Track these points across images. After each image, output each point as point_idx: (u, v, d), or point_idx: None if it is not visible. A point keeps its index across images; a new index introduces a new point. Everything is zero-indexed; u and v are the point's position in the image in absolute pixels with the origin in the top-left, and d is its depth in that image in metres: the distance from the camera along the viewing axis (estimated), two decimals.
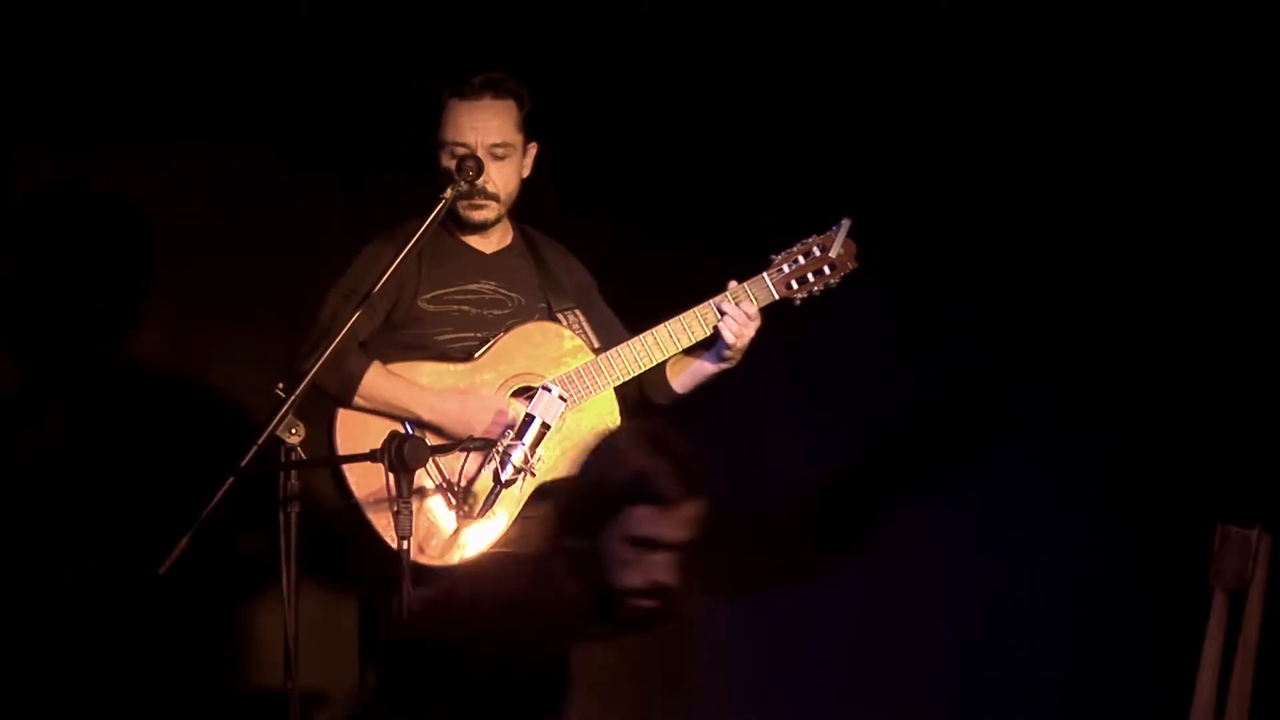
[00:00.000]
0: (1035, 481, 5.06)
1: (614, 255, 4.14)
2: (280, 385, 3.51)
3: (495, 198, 3.85)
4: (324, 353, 3.54)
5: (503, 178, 3.86)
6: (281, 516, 3.48)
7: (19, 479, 4.64)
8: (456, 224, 3.88)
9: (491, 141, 3.83)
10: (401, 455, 3.38)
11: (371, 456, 3.43)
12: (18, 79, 4.54)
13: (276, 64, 4.72)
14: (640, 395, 3.98)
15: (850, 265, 3.92)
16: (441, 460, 3.69)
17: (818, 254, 3.89)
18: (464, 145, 3.82)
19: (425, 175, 3.92)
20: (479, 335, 3.83)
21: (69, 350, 4.70)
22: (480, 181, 3.80)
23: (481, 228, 3.90)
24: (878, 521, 5.15)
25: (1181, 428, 4.86)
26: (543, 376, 3.75)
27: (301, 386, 3.47)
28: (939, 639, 5.10)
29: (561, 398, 3.59)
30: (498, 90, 3.86)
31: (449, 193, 3.69)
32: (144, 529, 4.18)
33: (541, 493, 3.81)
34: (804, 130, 5.01)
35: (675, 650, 5.17)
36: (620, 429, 3.76)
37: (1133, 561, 4.94)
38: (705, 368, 3.93)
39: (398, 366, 3.77)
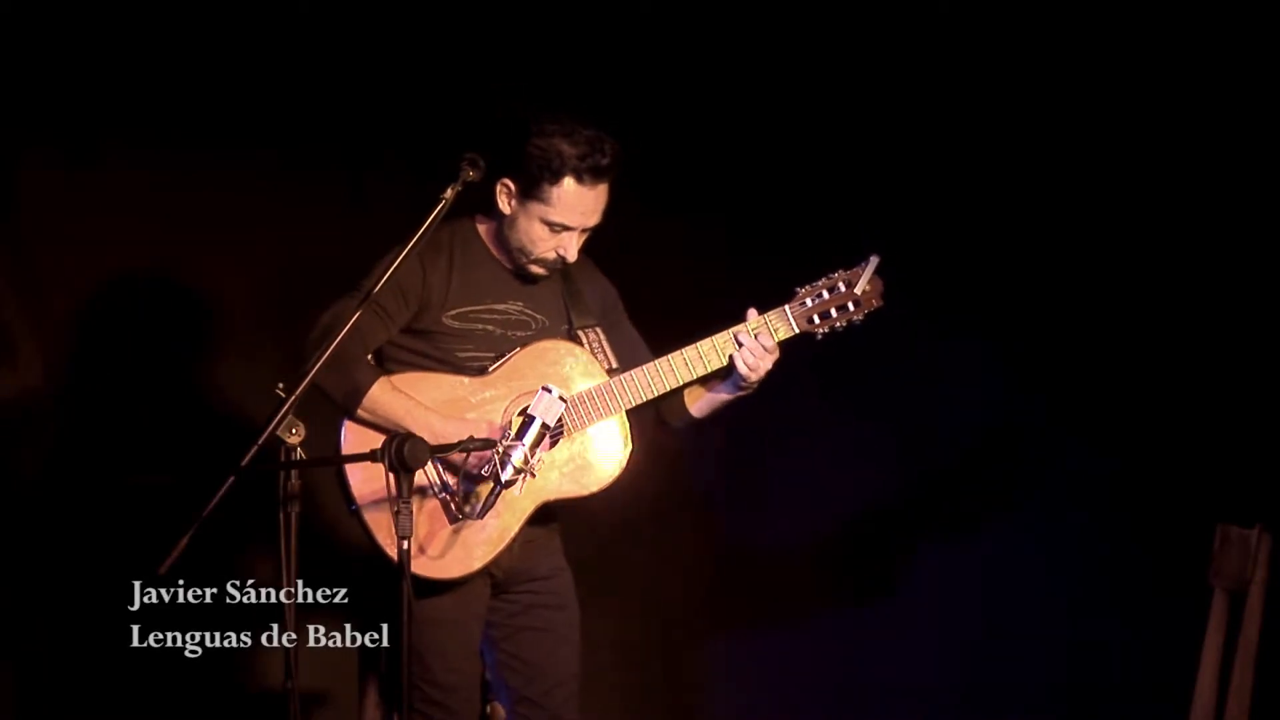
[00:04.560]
0: (1036, 482, 5.06)
1: (635, 275, 4.11)
2: (280, 385, 3.50)
3: (564, 263, 3.81)
4: (323, 354, 3.51)
5: (580, 245, 3.80)
6: (281, 516, 3.47)
7: (19, 480, 4.64)
8: (504, 250, 3.83)
9: (594, 223, 3.77)
10: (401, 455, 3.38)
11: (371, 456, 3.43)
12: (20, 78, 4.54)
13: (277, 64, 4.72)
14: (657, 416, 3.96)
15: (875, 303, 3.82)
16: (442, 466, 3.68)
17: (843, 289, 3.80)
18: (566, 227, 3.74)
19: (425, 175, 3.89)
20: (498, 355, 3.82)
21: (68, 351, 4.70)
22: (568, 259, 3.76)
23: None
24: (879, 524, 5.16)
25: (1182, 428, 4.86)
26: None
27: (301, 387, 3.45)
28: (941, 638, 5.11)
29: (561, 398, 3.58)
30: (613, 173, 3.74)
31: (449, 192, 3.65)
32: (144, 529, 4.18)
33: (546, 515, 3.82)
34: (818, 150, 5.05)
35: (687, 673, 5.21)
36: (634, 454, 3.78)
37: (1133, 561, 4.94)
38: (720, 396, 3.88)
39: (409, 377, 3.74)
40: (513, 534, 3.73)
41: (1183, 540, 4.21)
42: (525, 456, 3.55)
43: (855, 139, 5.04)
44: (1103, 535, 4.99)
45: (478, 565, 3.71)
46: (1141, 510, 4.91)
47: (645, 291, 4.09)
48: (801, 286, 3.82)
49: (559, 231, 3.72)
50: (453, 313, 3.77)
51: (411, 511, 3.39)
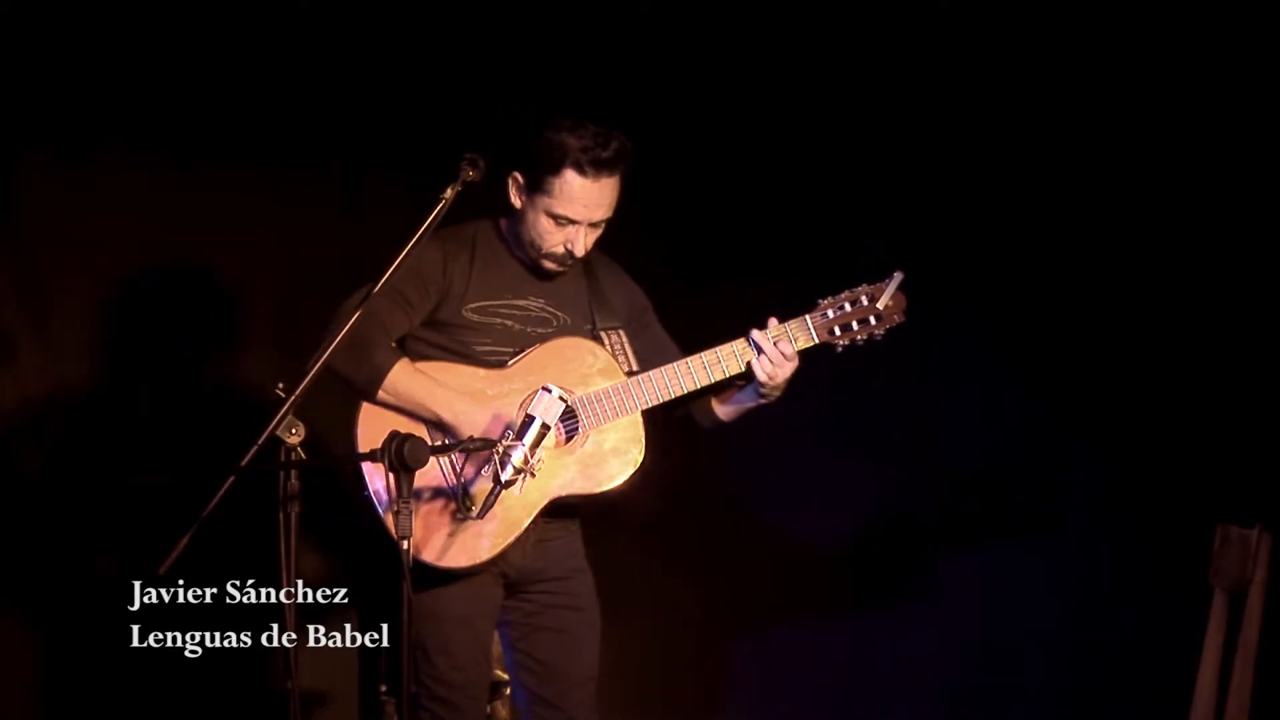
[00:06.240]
0: (1036, 482, 5.06)
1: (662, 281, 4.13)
2: (280, 385, 3.50)
3: (575, 258, 3.81)
4: (323, 353, 3.51)
5: (592, 241, 3.80)
6: (281, 516, 3.47)
7: (20, 480, 4.64)
8: (519, 245, 3.84)
9: (599, 217, 3.77)
10: (401, 455, 3.38)
11: (371, 456, 3.42)
12: (20, 78, 4.54)
13: (276, 64, 4.72)
14: (689, 417, 3.98)
15: (897, 319, 3.84)
16: (445, 462, 3.69)
17: (865, 303, 3.82)
18: (572, 221, 3.74)
19: (425, 175, 3.89)
20: (517, 350, 3.82)
21: (68, 351, 4.70)
22: (576, 253, 3.76)
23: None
24: (878, 525, 5.16)
25: (1182, 428, 4.86)
26: (570, 391, 3.74)
27: (302, 387, 3.45)
28: (941, 638, 5.11)
29: (561, 398, 3.58)
30: (616, 167, 3.73)
31: (449, 192, 3.65)
32: (144, 529, 4.18)
33: (561, 511, 3.82)
34: (828, 158, 5.07)
35: (697, 674, 5.20)
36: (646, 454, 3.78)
37: (1133, 561, 4.94)
38: (744, 401, 3.90)
39: (429, 366, 3.76)
40: (523, 528, 3.73)
41: (1183, 540, 4.21)
42: (525, 456, 3.55)
43: (856, 140, 5.05)
44: (1103, 535, 4.99)
45: (486, 557, 3.71)
46: (1141, 510, 4.91)
47: (664, 301, 4.10)
48: (824, 298, 3.84)
49: (564, 225, 3.73)
50: (472, 306, 3.79)
51: (411, 511, 3.39)
